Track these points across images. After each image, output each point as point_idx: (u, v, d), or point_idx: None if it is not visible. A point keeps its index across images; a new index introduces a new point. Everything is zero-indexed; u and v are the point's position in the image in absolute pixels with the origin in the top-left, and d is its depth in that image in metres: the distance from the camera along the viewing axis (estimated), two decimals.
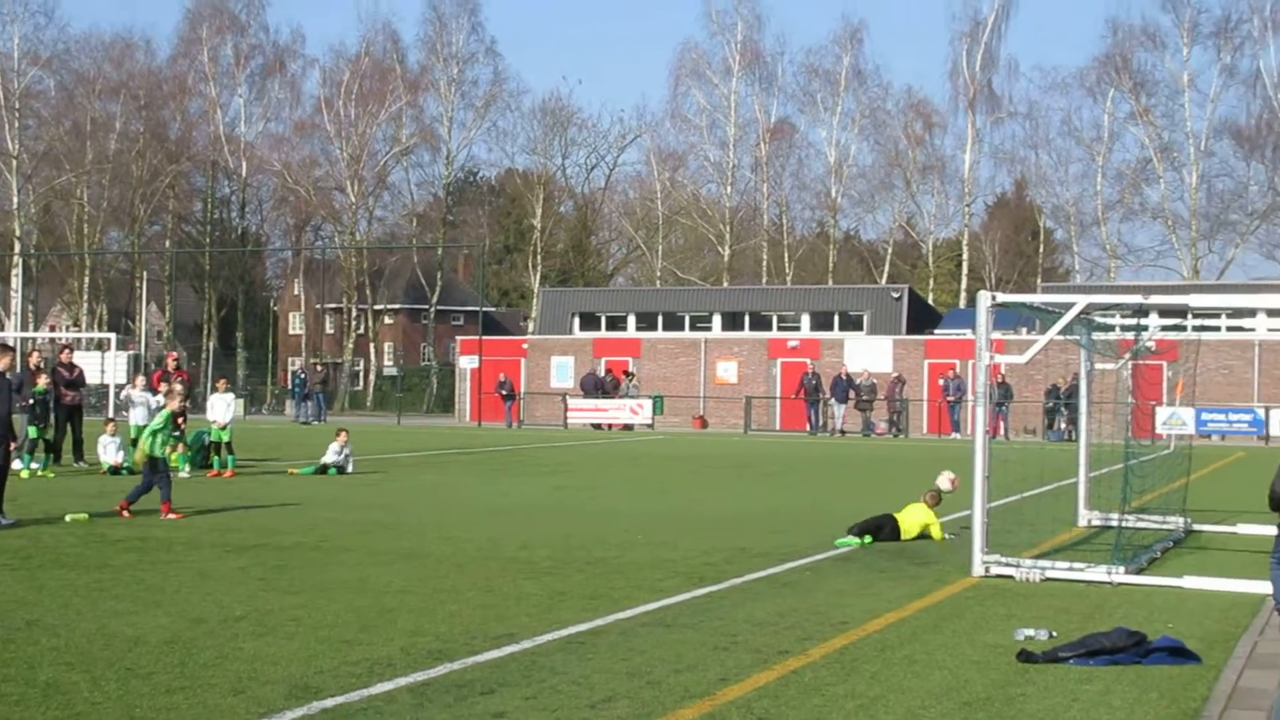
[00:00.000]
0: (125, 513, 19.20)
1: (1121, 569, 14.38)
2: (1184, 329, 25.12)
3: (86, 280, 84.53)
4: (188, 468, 26.95)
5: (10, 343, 32.83)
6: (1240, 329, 53.52)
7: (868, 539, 17.26)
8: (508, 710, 8.65)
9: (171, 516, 19.16)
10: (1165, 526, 18.60)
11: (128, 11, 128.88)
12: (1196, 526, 19.09)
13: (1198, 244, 79.53)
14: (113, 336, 51.19)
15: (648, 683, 9.43)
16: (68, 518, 18.76)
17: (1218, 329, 53.03)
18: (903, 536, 17.65)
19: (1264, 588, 13.70)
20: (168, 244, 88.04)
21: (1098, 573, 14.34)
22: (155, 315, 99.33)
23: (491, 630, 11.22)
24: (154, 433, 19.91)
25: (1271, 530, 12.33)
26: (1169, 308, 20.01)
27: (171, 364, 31.15)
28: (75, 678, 9.34)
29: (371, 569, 14.57)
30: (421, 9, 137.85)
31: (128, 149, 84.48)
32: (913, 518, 17.91)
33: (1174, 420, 43.11)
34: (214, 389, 30.82)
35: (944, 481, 18.87)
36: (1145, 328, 19.60)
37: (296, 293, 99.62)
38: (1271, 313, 48.90)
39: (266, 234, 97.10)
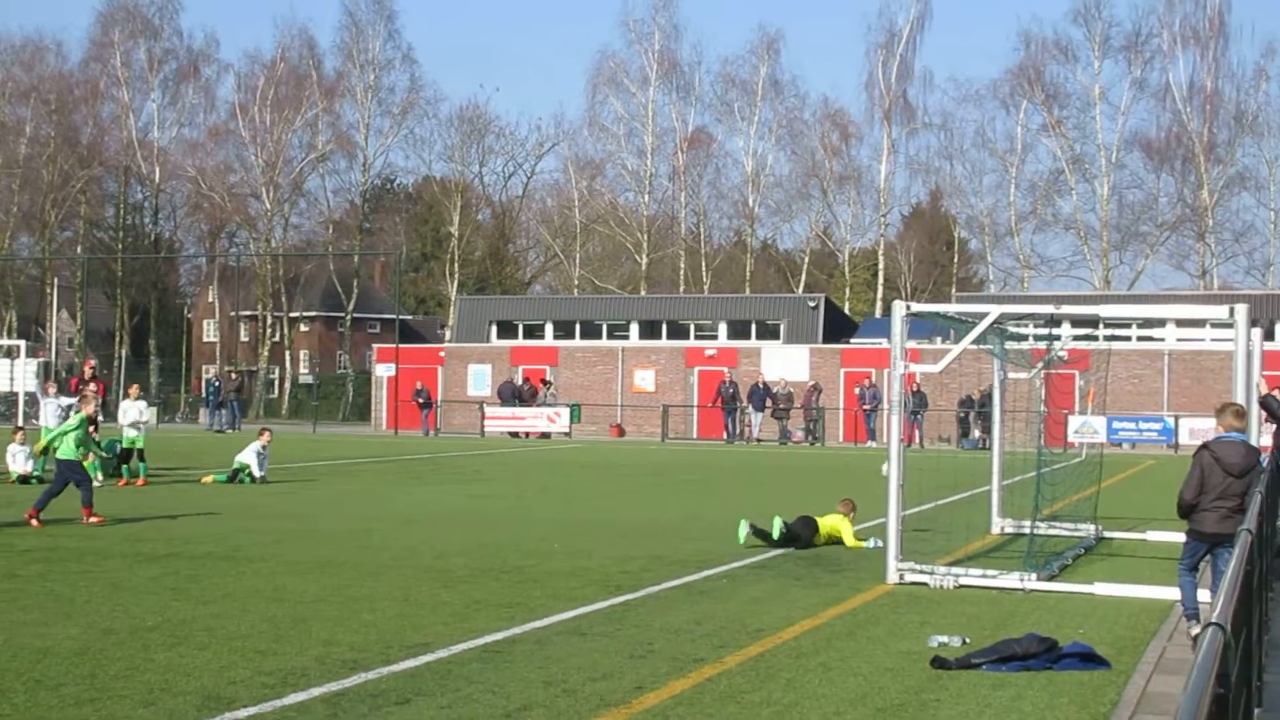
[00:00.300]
0: (34, 521, 18.93)
1: (1033, 576, 14.54)
2: (1095, 339, 25.40)
3: None
4: (100, 475, 26.61)
5: None
6: (1150, 339, 54.17)
7: (779, 526, 17.51)
8: None
9: (93, 520, 19.07)
10: (1076, 534, 18.83)
11: (39, 14, 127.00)
12: (1107, 534, 19.34)
13: (1109, 255, 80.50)
14: (23, 344, 50.38)
15: (564, 691, 9.43)
16: None
17: (1128, 339, 53.66)
18: (816, 538, 17.83)
19: (1173, 594, 13.89)
20: (79, 250, 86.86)
21: (1010, 580, 14.50)
22: (66, 322, 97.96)
23: (407, 639, 11.17)
24: (65, 434, 19.73)
25: (1180, 537, 12.52)
26: (1081, 318, 20.25)
27: (88, 372, 30.80)
28: None
29: (286, 578, 14.47)
30: (338, 15, 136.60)
31: (38, 153, 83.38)
32: (827, 524, 18.09)
33: (1086, 429, 43.63)
34: (125, 395, 30.37)
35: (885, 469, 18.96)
36: (1058, 337, 19.82)
37: (211, 300, 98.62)
38: (1181, 323, 49.51)
39: (180, 240, 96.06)
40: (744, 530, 17.74)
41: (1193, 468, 11.84)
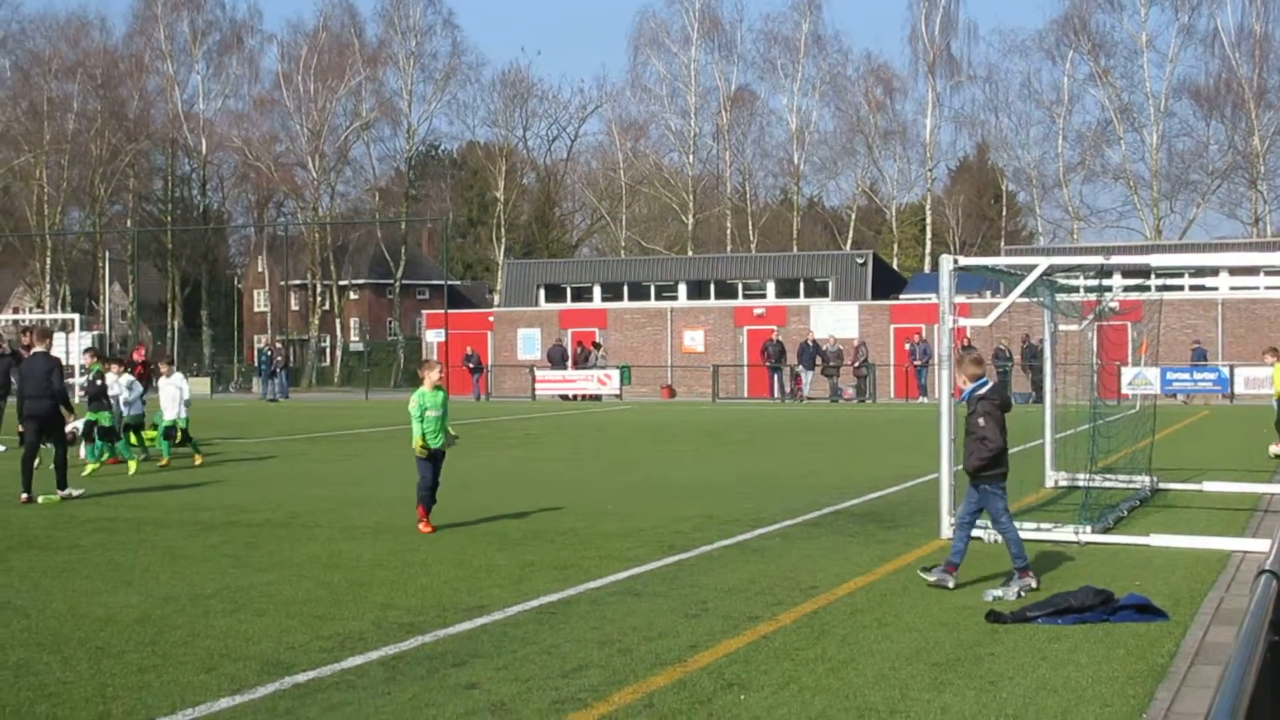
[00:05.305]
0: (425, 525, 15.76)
1: (1088, 528, 14.48)
2: (1147, 289, 25.27)
3: (48, 261, 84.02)
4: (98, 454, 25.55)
5: None
6: (1203, 288, 53.77)
7: None
8: (480, 681, 8.68)
9: (423, 529, 15.41)
10: (1131, 486, 18.72)
11: None
12: (1162, 485, 19.22)
13: (1159, 204, 79.86)
14: (76, 317, 50.91)
15: (619, 651, 9.47)
16: (40, 499, 18.68)
17: (1180, 288, 53.28)
18: None
19: (1230, 545, 13.84)
20: (129, 223, 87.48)
21: (1065, 533, 14.45)
22: (119, 295, 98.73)
23: (463, 602, 11.24)
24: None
25: (1238, 487, 12.44)
26: (1131, 268, 20.11)
27: (138, 357, 30.80)
28: (46, 658, 9.33)
29: (342, 544, 14.57)
30: None
31: (86, 128, 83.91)
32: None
33: (1140, 380, 43.33)
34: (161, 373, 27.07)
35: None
36: (1108, 288, 19.67)
37: (260, 270, 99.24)
38: (1233, 271, 49.04)
39: (229, 211, 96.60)
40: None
41: (987, 420, 11.96)
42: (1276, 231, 76.79)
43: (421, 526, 15.44)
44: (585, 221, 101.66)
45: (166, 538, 15.20)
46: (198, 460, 24.68)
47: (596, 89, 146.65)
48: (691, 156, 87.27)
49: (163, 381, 25.82)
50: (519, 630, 10.18)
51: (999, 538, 14.36)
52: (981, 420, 11.96)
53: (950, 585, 11.74)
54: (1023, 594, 11.45)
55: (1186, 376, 49.90)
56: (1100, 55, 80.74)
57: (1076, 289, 20.90)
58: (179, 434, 25.57)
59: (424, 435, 15.95)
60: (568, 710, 8.04)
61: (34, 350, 19.47)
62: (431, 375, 16.37)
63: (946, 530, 14.67)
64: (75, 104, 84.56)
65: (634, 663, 9.14)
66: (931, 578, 11.80)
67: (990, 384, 12.36)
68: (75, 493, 19.04)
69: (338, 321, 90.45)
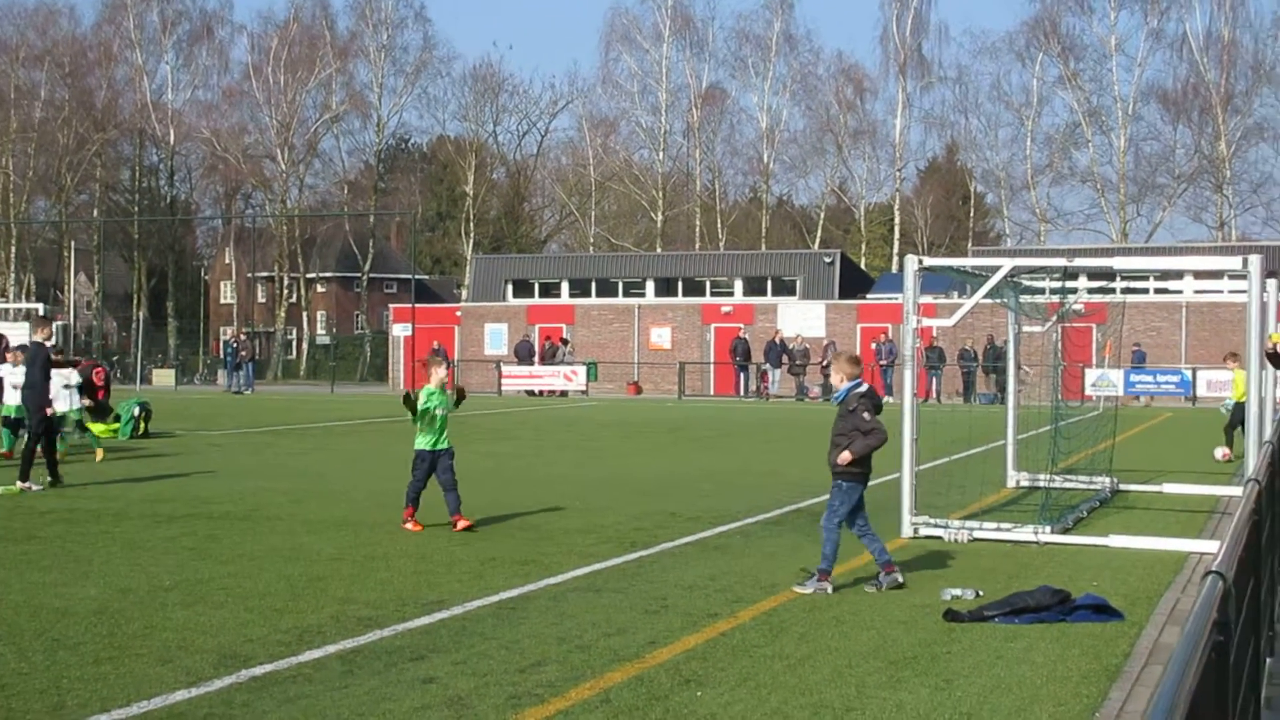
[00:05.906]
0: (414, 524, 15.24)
1: (1048, 529, 14.56)
2: (1112, 291, 25.42)
3: (13, 250, 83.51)
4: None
5: None
6: (1167, 291, 54.01)
7: None
8: (437, 676, 8.69)
9: (462, 526, 14.97)
10: (1092, 487, 18.82)
11: None
12: (1123, 486, 19.33)
13: (1126, 207, 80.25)
14: (41, 306, 50.64)
15: (577, 647, 9.49)
16: (0, 489, 18.62)
17: (1145, 291, 53.49)
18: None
19: (1187, 546, 13.95)
20: (96, 213, 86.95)
21: (1024, 533, 14.52)
22: (84, 285, 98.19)
23: (422, 597, 11.24)
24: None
25: (1198, 489, 12.52)
26: (1095, 270, 20.19)
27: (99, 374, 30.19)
28: (1, 649, 9.29)
29: (303, 537, 14.55)
30: None
31: (53, 117, 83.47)
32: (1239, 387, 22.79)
33: (1103, 382, 43.52)
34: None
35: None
36: (1073, 290, 19.76)
37: (228, 261, 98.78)
38: (1198, 275, 49.24)
39: (196, 202, 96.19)
40: None
41: (870, 416, 12.13)
42: (1242, 236, 77.26)
43: (410, 525, 15.06)
44: (554, 217, 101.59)
45: (126, 529, 15.15)
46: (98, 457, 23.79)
47: (567, 85, 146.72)
48: (661, 154, 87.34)
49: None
50: (478, 625, 10.19)
51: (958, 537, 14.45)
52: (867, 415, 12.01)
53: (902, 581, 11.79)
54: (826, 592, 11.58)
55: (1150, 379, 50.13)
56: (1069, 58, 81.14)
57: (1041, 291, 21.00)
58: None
59: (427, 438, 15.30)
60: (524, 705, 8.05)
61: (34, 340, 19.87)
62: (439, 373, 15.34)
63: (907, 529, 14.74)
64: (42, 92, 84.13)
65: (592, 659, 9.16)
66: (869, 589, 11.76)
67: (867, 385, 12.47)
68: (35, 487, 18.96)
69: (304, 314, 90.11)
